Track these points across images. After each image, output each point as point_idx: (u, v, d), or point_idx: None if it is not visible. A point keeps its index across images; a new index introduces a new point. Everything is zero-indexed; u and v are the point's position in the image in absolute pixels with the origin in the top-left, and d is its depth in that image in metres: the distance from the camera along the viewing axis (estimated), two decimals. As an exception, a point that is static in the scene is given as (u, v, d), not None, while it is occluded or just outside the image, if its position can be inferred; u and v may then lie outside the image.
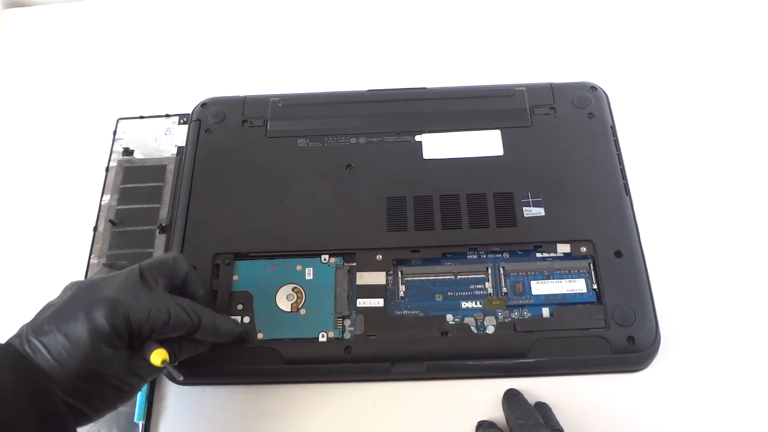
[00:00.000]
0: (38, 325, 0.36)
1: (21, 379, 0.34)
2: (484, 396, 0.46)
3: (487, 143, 0.53)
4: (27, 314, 0.38)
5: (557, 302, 0.46)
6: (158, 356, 0.38)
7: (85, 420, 0.37)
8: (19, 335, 0.37)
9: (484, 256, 0.49)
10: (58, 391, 0.35)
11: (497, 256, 0.48)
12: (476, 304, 0.47)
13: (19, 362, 0.35)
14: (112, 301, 0.37)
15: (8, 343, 0.36)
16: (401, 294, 0.47)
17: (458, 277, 0.48)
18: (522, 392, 0.45)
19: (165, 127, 0.58)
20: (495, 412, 0.45)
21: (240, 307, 0.47)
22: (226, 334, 0.43)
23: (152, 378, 0.42)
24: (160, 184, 0.54)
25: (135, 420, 0.46)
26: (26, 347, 0.36)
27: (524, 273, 0.48)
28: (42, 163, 0.59)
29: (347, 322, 0.46)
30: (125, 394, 0.39)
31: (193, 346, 0.42)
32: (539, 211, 0.49)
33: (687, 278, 0.50)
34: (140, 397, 0.46)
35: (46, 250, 0.54)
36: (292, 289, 0.48)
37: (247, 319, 0.46)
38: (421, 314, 0.47)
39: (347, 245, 0.49)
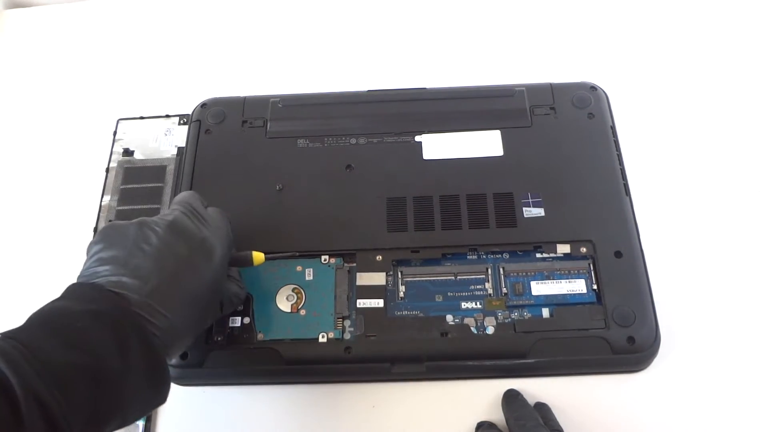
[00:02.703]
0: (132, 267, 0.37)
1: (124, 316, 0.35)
2: (484, 396, 0.46)
3: (487, 143, 0.53)
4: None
5: (557, 303, 0.46)
6: (259, 257, 0.44)
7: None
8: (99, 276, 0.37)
9: (484, 257, 0.49)
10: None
11: (497, 256, 0.48)
12: (476, 304, 0.47)
13: (115, 300, 0.36)
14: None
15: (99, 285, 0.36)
16: (401, 294, 0.47)
17: (458, 277, 0.48)
18: (522, 392, 0.45)
19: (165, 128, 0.58)
20: (495, 413, 0.45)
21: (240, 307, 0.47)
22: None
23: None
24: (160, 184, 0.54)
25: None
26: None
27: (524, 273, 0.48)
28: (42, 163, 0.59)
29: (347, 323, 0.46)
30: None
31: None
32: (539, 212, 0.49)
33: (687, 278, 0.50)
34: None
35: (46, 250, 0.54)
36: (292, 290, 0.48)
37: (247, 320, 0.47)
38: (421, 315, 0.47)
39: (347, 246, 0.49)
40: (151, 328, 0.36)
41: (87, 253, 0.40)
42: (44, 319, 0.34)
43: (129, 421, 0.36)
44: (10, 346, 0.31)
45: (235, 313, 0.47)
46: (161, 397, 0.38)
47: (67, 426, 0.31)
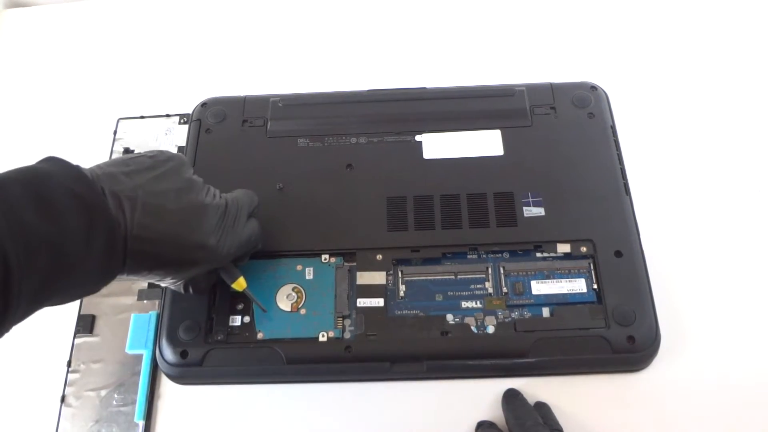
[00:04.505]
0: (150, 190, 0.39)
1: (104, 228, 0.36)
2: (484, 396, 0.46)
3: (487, 143, 0.53)
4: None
5: (557, 302, 0.46)
6: (241, 284, 0.45)
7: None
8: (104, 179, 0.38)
9: (484, 256, 0.49)
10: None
11: (497, 255, 0.48)
12: (476, 303, 0.47)
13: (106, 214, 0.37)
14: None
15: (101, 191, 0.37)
16: (401, 294, 0.47)
17: (458, 276, 0.48)
18: (522, 392, 0.45)
19: (165, 127, 0.58)
20: (495, 412, 0.45)
21: (240, 307, 0.47)
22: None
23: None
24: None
25: (135, 420, 0.46)
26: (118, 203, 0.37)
27: (524, 273, 0.48)
28: (42, 163, 0.59)
29: (347, 322, 0.46)
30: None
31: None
32: (539, 211, 0.49)
33: (687, 278, 0.50)
34: (140, 396, 0.46)
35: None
36: (293, 289, 0.48)
37: (247, 319, 0.47)
38: (421, 314, 0.47)
39: (347, 245, 0.49)
40: (122, 223, 0.37)
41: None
42: (29, 179, 0.35)
43: (64, 301, 0.37)
44: None
45: (235, 312, 0.47)
46: (96, 289, 0.38)
47: (18, 287, 0.32)
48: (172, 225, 0.39)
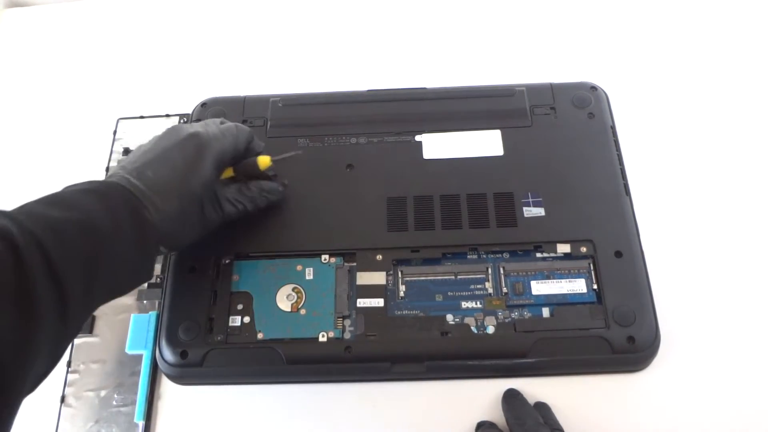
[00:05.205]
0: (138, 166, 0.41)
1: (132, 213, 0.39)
2: (484, 396, 0.46)
3: (487, 143, 0.53)
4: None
5: (557, 302, 0.46)
6: (264, 160, 0.47)
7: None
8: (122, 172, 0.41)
9: (484, 256, 0.49)
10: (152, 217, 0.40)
11: (497, 256, 0.48)
12: (476, 304, 0.47)
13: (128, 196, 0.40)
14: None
15: (115, 182, 0.40)
16: (401, 294, 0.47)
17: (458, 277, 0.48)
18: (522, 392, 0.45)
19: (165, 127, 0.57)
20: (495, 412, 0.45)
21: (240, 307, 0.47)
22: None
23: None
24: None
25: (135, 420, 0.46)
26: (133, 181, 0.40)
27: (524, 273, 0.48)
28: (42, 163, 0.59)
29: (347, 322, 0.46)
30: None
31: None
32: (539, 211, 0.49)
33: (687, 278, 0.50)
34: (140, 397, 0.46)
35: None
36: (292, 289, 0.48)
37: (247, 319, 0.47)
38: (421, 314, 0.47)
39: (347, 245, 0.49)
40: (143, 206, 0.40)
41: None
42: (37, 199, 0.38)
43: (123, 286, 0.40)
44: (6, 212, 0.35)
45: (235, 313, 0.47)
46: (147, 271, 0.41)
47: (63, 268, 0.33)
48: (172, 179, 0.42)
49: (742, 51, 0.60)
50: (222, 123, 0.47)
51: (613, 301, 0.46)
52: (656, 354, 0.46)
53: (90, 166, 0.57)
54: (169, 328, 0.46)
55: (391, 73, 0.61)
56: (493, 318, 0.46)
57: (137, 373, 0.47)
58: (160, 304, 0.49)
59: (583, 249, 0.48)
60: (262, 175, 0.48)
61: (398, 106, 0.55)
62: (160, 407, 0.47)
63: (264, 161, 0.47)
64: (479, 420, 0.45)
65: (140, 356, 0.48)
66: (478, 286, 0.47)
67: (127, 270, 0.39)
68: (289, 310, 0.47)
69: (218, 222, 0.46)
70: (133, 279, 0.41)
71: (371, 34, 0.64)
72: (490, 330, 0.46)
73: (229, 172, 0.47)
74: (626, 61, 0.60)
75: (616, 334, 0.45)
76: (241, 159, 0.47)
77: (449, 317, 0.46)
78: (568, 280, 0.47)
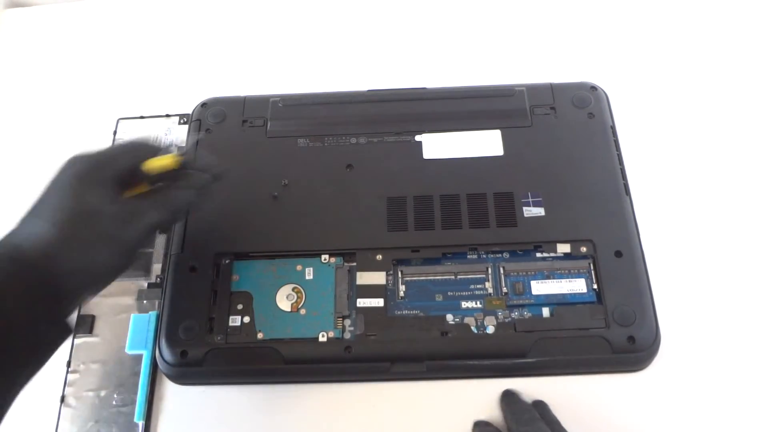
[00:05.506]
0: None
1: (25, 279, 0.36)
2: (484, 396, 0.46)
3: (487, 143, 0.53)
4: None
5: (557, 302, 0.46)
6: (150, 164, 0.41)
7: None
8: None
9: (484, 256, 0.49)
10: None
11: (497, 256, 0.48)
12: (476, 304, 0.47)
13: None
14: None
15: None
16: (401, 294, 0.47)
17: (458, 277, 0.48)
18: (522, 392, 0.45)
19: (165, 128, 0.58)
20: (495, 412, 0.45)
21: (240, 307, 0.47)
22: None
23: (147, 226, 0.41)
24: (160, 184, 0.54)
25: (135, 420, 0.46)
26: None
27: (524, 273, 0.48)
28: (42, 163, 0.59)
29: (347, 322, 0.46)
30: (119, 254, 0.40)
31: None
32: (539, 211, 0.49)
33: (687, 278, 0.50)
34: (140, 397, 0.46)
35: (46, 250, 0.54)
36: (292, 289, 0.48)
37: (247, 319, 0.47)
38: (421, 314, 0.47)
39: (347, 245, 0.49)
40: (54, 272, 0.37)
41: None
42: None
43: (20, 373, 0.36)
44: None
45: (235, 312, 0.47)
46: (60, 340, 0.38)
47: None
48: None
49: (742, 51, 0.60)
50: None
51: (613, 301, 0.46)
52: (656, 354, 0.46)
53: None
54: (169, 328, 0.46)
55: (391, 73, 0.61)
56: (493, 318, 0.46)
57: (137, 373, 0.47)
58: (160, 304, 0.49)
59: (583, 249, 0.48)
60: (174, 176, 0.43)
61: (398, 106, 0.55)
62: (160, 407, 0.47)
63: (150, 164, 0.42)
64: (475, 420, 0.45)
65: (140, 356, 0.48)
66: (478, 286, 0.47)
67: (24, 351, 0.36)
68: (289, 310, 0.47)
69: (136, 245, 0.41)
70: (41, 353, 0.37)
71: (371, 34, 0.64)
72: (490, 330, 0.46)
73: (144, 187, 0.42)
74: (626, 61, 0.60)
75: (616, 333, 0.45)
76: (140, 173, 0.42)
77: (449, 317, 0.46)
78: (568, 279, 0.47)
